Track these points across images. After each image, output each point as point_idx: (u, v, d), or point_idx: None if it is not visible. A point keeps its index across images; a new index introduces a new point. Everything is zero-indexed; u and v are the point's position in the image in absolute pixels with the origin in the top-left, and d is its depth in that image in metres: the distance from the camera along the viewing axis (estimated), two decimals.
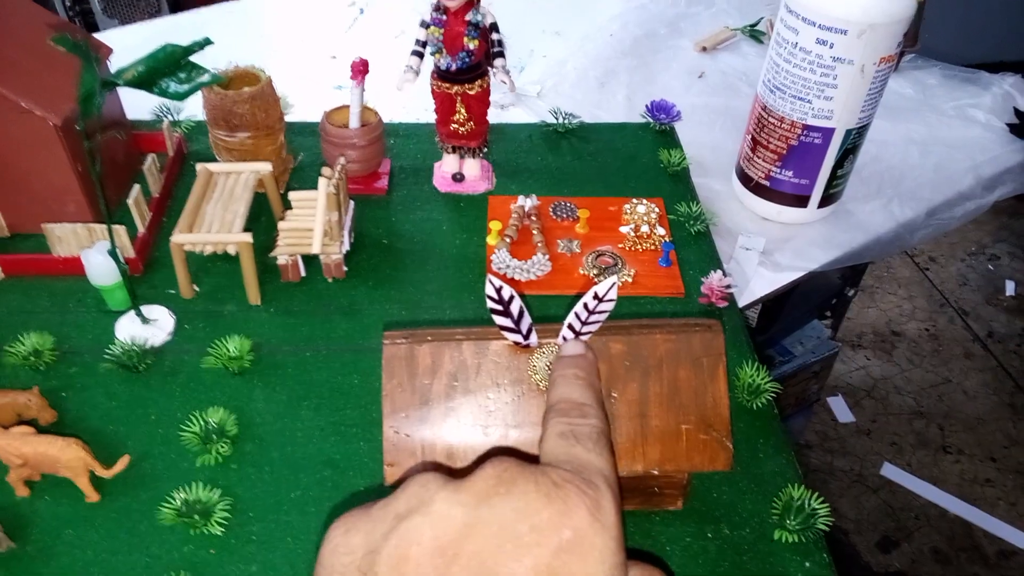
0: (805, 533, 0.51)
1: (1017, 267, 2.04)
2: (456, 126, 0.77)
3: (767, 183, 0.80)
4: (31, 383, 0.58)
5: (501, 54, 0.73)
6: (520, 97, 0.99)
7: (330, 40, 1.13)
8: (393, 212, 0.78)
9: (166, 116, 0.86)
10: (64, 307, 0.66)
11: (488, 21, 0.70)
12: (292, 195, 0.70)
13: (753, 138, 0.80)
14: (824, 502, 0.51)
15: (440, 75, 0.74)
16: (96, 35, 0.91)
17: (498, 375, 0.46)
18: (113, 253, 0.62)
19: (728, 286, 0.68)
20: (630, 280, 0.70)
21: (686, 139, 0.90)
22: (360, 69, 0.75)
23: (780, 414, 1.40)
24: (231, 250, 0.65)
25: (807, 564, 0.50)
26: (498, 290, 0.43)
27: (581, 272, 0.71)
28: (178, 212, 0.67)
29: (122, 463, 0.53)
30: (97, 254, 0.63)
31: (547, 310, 0.67)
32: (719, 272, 0.68)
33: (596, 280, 0.69)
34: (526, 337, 0.45)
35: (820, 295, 1.28)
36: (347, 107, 0.78)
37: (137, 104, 0.79)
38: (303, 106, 0.89)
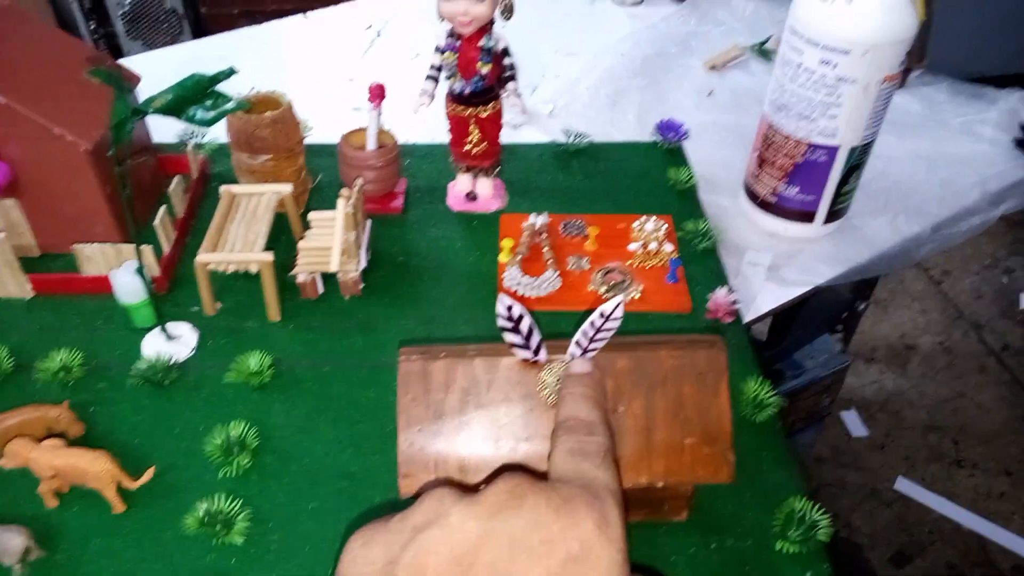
0: (806, 544, 0.52)
1: None
2: (469, 147, 0.79)
3: (774, 199, 0.82)
4: (61, 398, 0.61)
5: (513, 78, 0.75)
6: (532, 116, 1.02)
7: (348, 63, 1.16)
8: (408, 231, 0.80)
9: (190, 140, 0.89)
10: (92, 325, 0.69)
11: (500, 46, 0.73)
12: (311, 215, 0.73)
13: (760, 156, 0.82)
14: (825, 513, 0.52)
15: (454, 98, 0.76)
16: (123, 61, 0.94)
17: (509, 390, 0.48)
18: (140, 272, 0.64)
19: (734, 302, 0.69)
20: (638, 296, 0.72)
21: (696, 156, 0.91)
22: (377, 93, 0.77)
23: (791, 428, 1.40)
24: (253, 268, 0.68)
25: (808, 574, 0.51)
26: (509, 308, 0.45)
27: (590, 289, 0.72)
28: (202, 232, 0.70)
29: (148, 475, 0.55)
30: (124, 273, 0.65)
31: (557, 326, 0.68)
32: (725, 288, 0.70)
33: (605, 296, 0.71)
34: (535, 353, 0.47)
35: (831, 309, 1.28)
36: (364, 129, 0.80)
37: (163, 128, 0.82)
38: (322, 128, 0.92)
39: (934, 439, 1.66)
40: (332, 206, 0.69)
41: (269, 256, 0.67)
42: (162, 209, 0.72)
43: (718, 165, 0.93)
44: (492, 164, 0.82)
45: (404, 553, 0.31)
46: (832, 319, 1.30)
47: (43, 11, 1.96)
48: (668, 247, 0.76)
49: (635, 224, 0.78)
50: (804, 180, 0.79)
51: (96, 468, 0.53)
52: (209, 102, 0.60)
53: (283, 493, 0.56)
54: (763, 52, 1.16)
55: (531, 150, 0.92)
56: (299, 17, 1.28)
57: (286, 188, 0.75)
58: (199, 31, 2.11)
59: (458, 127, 0.78)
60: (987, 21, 2.33)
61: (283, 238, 0.77)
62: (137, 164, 0.78)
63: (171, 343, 0.67)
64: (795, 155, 0.78)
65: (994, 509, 1.52)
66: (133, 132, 0.72)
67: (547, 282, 0.72)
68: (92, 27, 1.99)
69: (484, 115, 0.77)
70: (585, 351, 0.48)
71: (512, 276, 0.72)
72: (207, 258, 0.67)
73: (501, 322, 0.46)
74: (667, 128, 0.92)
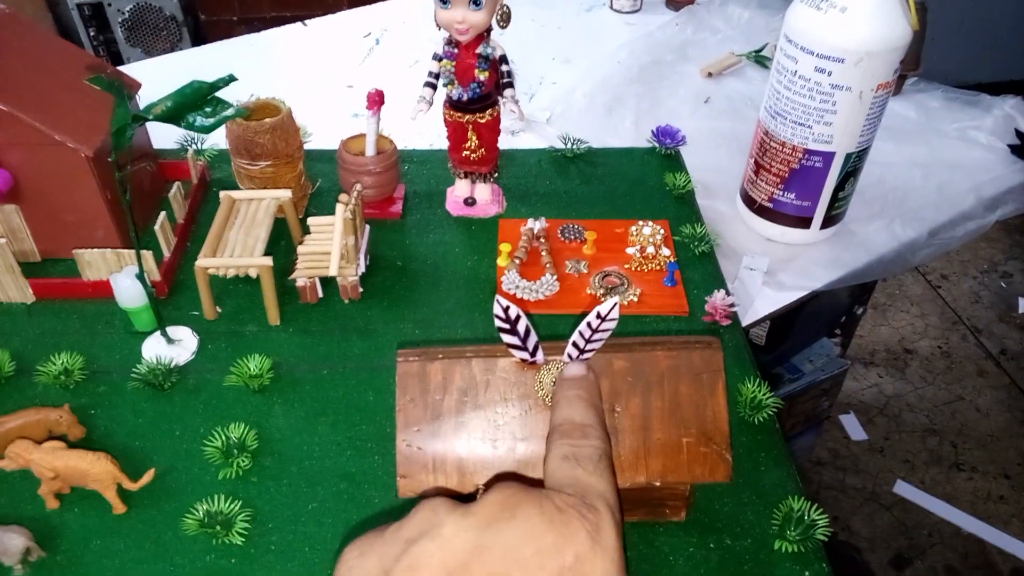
0: (805, 543, 0.52)
1: None
2: (468, 153, 0.80)
3: (770, 205, 0.83)
4: (62, 401, 0.61)
5: (510, 84, 0.76)
6: (530, 123, 1.02)
7: (347, 70, 1.17)
8: (407, 235, 0.81)
9: (190, 145, 0.90)
10: (93, 329, 0.69)
11: (498, 54, 0.73)
12: (311, 220, 0.73)
13: (756, 162, 0.83)
14: (824, 513, 0.53)
15: (452, 105, 0.77)
16: (123, 68, 0.95)
17: (506, 391, 0.48)
18: (141, 277, 0.65)
19: (731, 305, 0.70)
20: (636, 300, 0.72)
21: (692, 162, 0.92)
22: (376, 99, 0.78)
23: (789, 431, 1.41)
24: (252, 273, 0.68)
25: (807, 573, 0.51)
26: (505, 310, 0.45)
27: (588, 292, 0.73)
28: (202, 237, 0.71)
29: (148, 476, 0.55)
30: (125, 278, 0.66)
31: (555, 328, 0.69)
32: (722, 291, 0.70)
33: (603, 299, 0.72)
34: (532, 354, 0.48)
35: (829, 313, 1.29)
36: (363, 135, 0.81)
37: (163, 134, 0.83)
38: (321, 134, 0.92)
39: (933, 442, 1.66)
40: (331, 211, 0.70)
41: (268, 261, 0.68)
42: (162, 215, 0.73)
43: (715, 171, 0.93)
44: (490, 169, 0.82)
45: (397, 565, 0.31)
46: (831, 323, 1.31)
47: (43, 18, 1.97)
48: (665, 251, 0.76)
49: (632, 229, 0.79)
50: (800, 186, 0.80)
51: (96, 470, 0.53)
52: (208, 109, 0.61)
53: (282, 494, 0.56)
54: (759, 59, 1.16)
55: (529, 156, 0.93)
56: (298, 25, 1.29)
57: (285, 194, 0.76)
58: (198, 38, 2.13)
59: (456, 133, 0.79)
60: (981, 29, 2.35)
61: (282, 243, 0.77)
62: (137, 170, 0.78)
63: (171, 347, 0.67)
64: (791, 161, 0.79)
65: (993, 512, 1.53)
66: (133, 138, 0.73)
67: (545, 286, 0.72)
68: (92, 34, 2.01)
69: (482, 121, 0.77)
70: (582, 352, 0.48)
71: (510, 280, 0.73)
72: (207, 263, 0.68)
73: (498, 323, 0.46)
74: (664, 134, 0.93)
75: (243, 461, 0.57)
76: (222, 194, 0.74)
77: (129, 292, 0.66)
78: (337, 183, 0.84)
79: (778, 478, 0.57)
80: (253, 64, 1.17)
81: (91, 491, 0.55)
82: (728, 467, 0.48)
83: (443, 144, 0.81)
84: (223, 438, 0.58)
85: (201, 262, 0.68)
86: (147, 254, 0.69)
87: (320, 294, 0.72)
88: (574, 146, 0.92)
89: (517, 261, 0.75)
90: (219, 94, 0.60)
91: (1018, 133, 1.02)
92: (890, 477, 1.59)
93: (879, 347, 1.88)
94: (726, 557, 0.52)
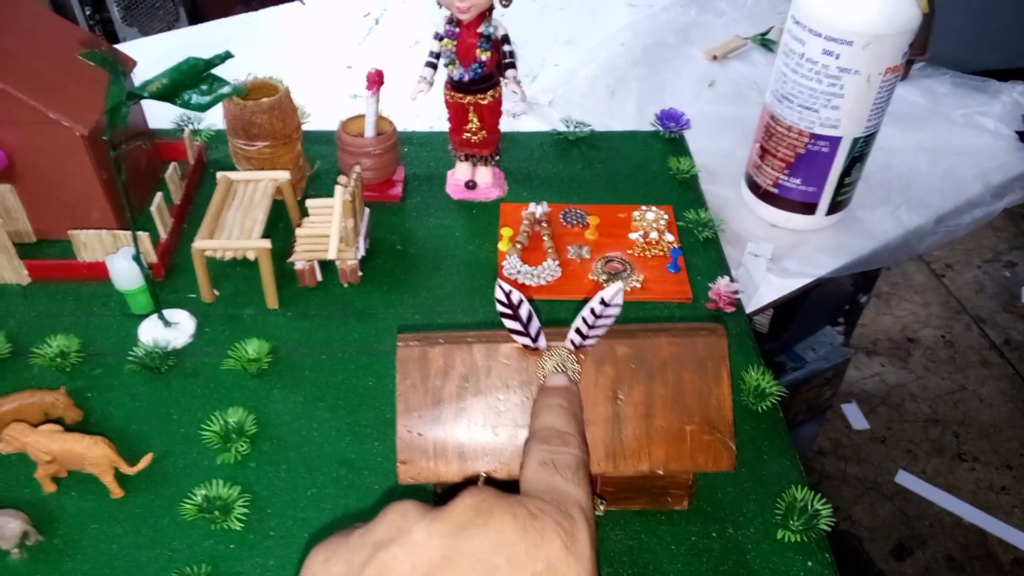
0: (808, 533, 0.52)
1: None
2: (469, 135, 0.79)
3: (775, 190, 0.82)
4: (57, 384, 0.60)
5: (512, 65, 0.74)
6: (532, 106, 1.01)
7: (346, 50, 1.15)
8: (407, 219, 0.80)
9: (187, 125, 0.88)
10: (89, 311, 0.69)
11: (500, 33, 0.72)
12: (309, 202, 0.72)
13: (761, 146, 0.82)
14: (827, 503, 0.52)
15: (453, 86, 0.75)
16: (119, 46, 0.93)
17: (507, 377, 0.48)
18: (137, 258, 0.64)
19: (735, 291, 0.69)
20: (639, 286, 0.71)
21: (696, 147, 0.91)
22: (375, 80, 0.77)
23: (792, 420, 1.40)
24: (250, 256, 0.67)
25: (809, 563, 0.51)
26: (508, 295, 0.44)
27: (591, 278, 0.72)
28: (198, 219, 0.70)
29: (145, 460, 0.55)
30: (121, 259, 0.65)
31: (556, 314, 0.68)
32: (726, 278, 0.69)
33: (605, 285, 0.71)
34: (535, 340, 0.47)
35: (832, 302, 1.28)
36: (363, 116, 0.80)
37: (159, 114, 0.82)
38: (319, 115, 0.91)
39: (935, 432, 1.66)
40: (330, 193, 0.69)
41: (267, 243, 0.67)
42: (158, 195, 0.72)
43: (719, 156, 0.92)
44: (491, 152, 0.81)
45: (364, 571, 0.30)
46: (834, 312, 1.30)
47: None
48: (669, 237, 0.75)
49: (635, 214, 0.78)
50: (806, 171, 0.79)
51: (94, 453, 0.52)
52: (205, 86, 0.60)
53: (281, 480, 0.56)
54: (765, 42, 1.15)
55: (531, 139, 0.91)
56: (297, 3, 1.27)
57: (283, 175, 0.74)
58: (195, 17, 2.10)
59: (457, 114, 0.78)
60: (990, 14, 2.32)
61: (281, 225, 0.76)
62: (133, 150, 0.77)
63: (168, 330, 0.66)
64: (797, 146, 0.78)
65: (995, 503, 1.53)
66: (129, 117, 0.72)
67: (547, 271, 0.71)
68: (87, 13, 1.98)
69: (484, 103, 0.76)
70: (585, 338, 0.47)
71: (512, 264, 0.72)
72: (204, 244, 0.67)
73: (500, 308, 0.45)
74: (668, 118, 0.91)
75: (241, 446, 0.57)
76: (219, 175, 0.73)
77: (126, 274, 0.65)
78: (336, 165, 0.83)
79: (781, 467, 0.56)
80: (251, 43, 1.16)
81: (88, 475, 0.54)
82: (732, 456, 0.47)
83: (443, 126, 0.80)
84: (221, 422, 0.57)
85: (198, 244, 0.67)
86: (143, 235, 0.68)
87: (319, 277, 0.71)
88: (576, 129, 0.91)
89: (518, 246, 0.74)
90: (216, 72, 0.59)
91: None
92: (892, 467, 1.59)
93: (882, 336, 1.87)
94: (728, 546, 0.52)
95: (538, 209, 0.78)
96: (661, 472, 0.48)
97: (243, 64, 0.71)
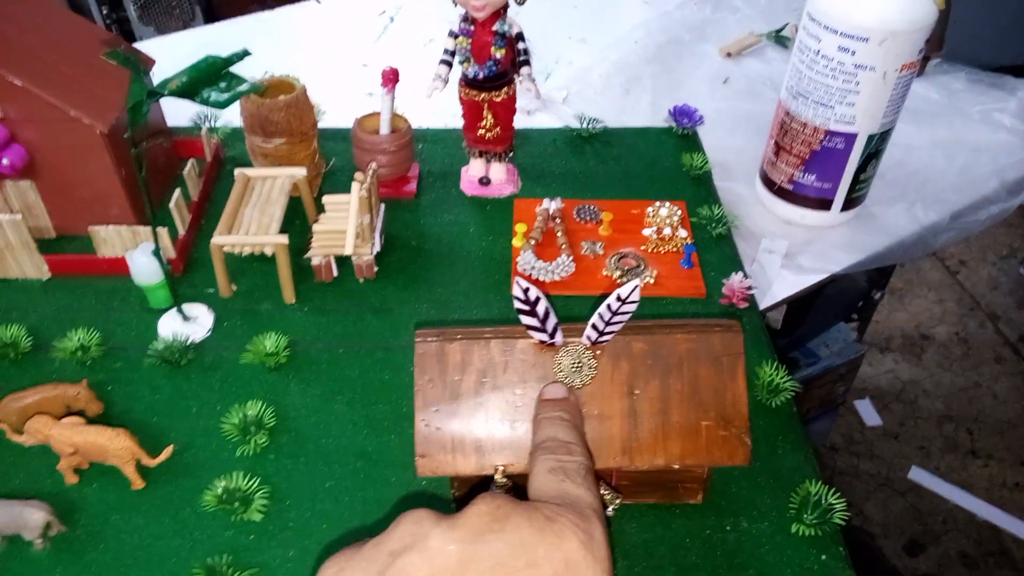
0: (822, 527, 0.52)
1: None
2: (483, 132, 0.79)
3: (790, 187, 0.82)
4: (78, 377, 0.61)
5: (527, 62, 0.75)
6: (546, 103, 1.01)
7: (361, 48, 1.16)
8: (422, 215, 0.80)
9: (204, 123, 0.89)
10: (109, 305, 0.70)
11: (514, 31, 0.72)
12: (326, 198, 0.73)
13: (776, 143, 0.82)
14: (841, 498, 0.52)
15: (468, 83, 0.76)
16: (136, 45, 0.94)
17: (525, 372, 0.48)
18: (156, 253, 0.65)
19: (749, 288, 0.69)
20: (652, 281, 0.71)
21: (710, 143, 0.91)
22: (391, 77, 0.77)
23: (805, 416, 1.40)
24: (268, 251, 0.68)
25: (823, 557, 0.51)
26: (525, 291, 0.45)
27: (604, 274, 0.72)
28: (216, 215, 0.70)
29: (166, 452, 0.56)
30: (141, 255, 0.66)
31: (571, 310, 0.68)
32: (740, 274, 0.69)
33: (619, 281, 0.71)
34: (552, 336, 0.47)
35: (846, 298, 1.28)
36: (378, 114, 0.80)
37: (176, 112, 0.83)
38: (335, 112, 0.92)
39: (949, 429, 1.65)
40: (345, 190, 0.69)
41: (284, 238, 0.67)
42: (177, 192, 0.72)
43: (732, 152, 0.92)
44: (506, 149, 0.82)
45: None
46: (848, 308, 1.29)
47: None
48: (682, 233, 0.75)
49: (649, 210, 0.78)
50: (821, 167, 0.79)
51: (116, 446, 0.53)
52: (223, 84, 0.60)
53: (299, 472, 0.56)
54: (780, 39, 1.15)
55: (544, 135, 0.92)
56: (312, 2, 1.28)
57: (300, 171, 0.75)
58: (211, 16, 2.11)
59: (471, 112, 0.78)
60: (1006, 10, 2.30)
61: (297, 222, 0.77)
62: (152, 147, 0.78)
63: (187, 324, 0.67)
64: (812, 142, 0.78)
65: (1009, 499, 1.52)
66: (148, 115, 0.72)
67: (561, 267, 0.72)
68: (104, 12, 2.00)
69: (498, 100, 0.76)
70: (601, 334, 0.48)
71: (526, 260, 0.72)
72: (222, 240, 0.68)
73: (518, 304, 0.46)
74: (681, 114, 0.92)
75: (260, 438, 0.57)
76: (237, 172, 0.74)
77: (145, 269, 0.66)
78: (351, 162, 0.83)
79: (795, 462, 0.56)
80: (267, 42, 1.16)
81: (109, 467, 0.55)
82: (747, 451, 0.48)
83: (458, 123, 0.81)
84: (240, 415, 0.58)
85: (217, 239, 0.68)
86: (162, 231, 0.69)
87: (335, 273, 0.72)
88: (590, 126, 0.91)
89: (533, 242, 0.74)
90: (233, 70, 0.60)
91: None
92: (905, 463, 1.59)
93: (895, 333, 1.86)
94: (742, 540, 0.52)
95: (552, 205, 0.78)
96: (677, 467, 0.48)
97: (259, 62, 0.72)
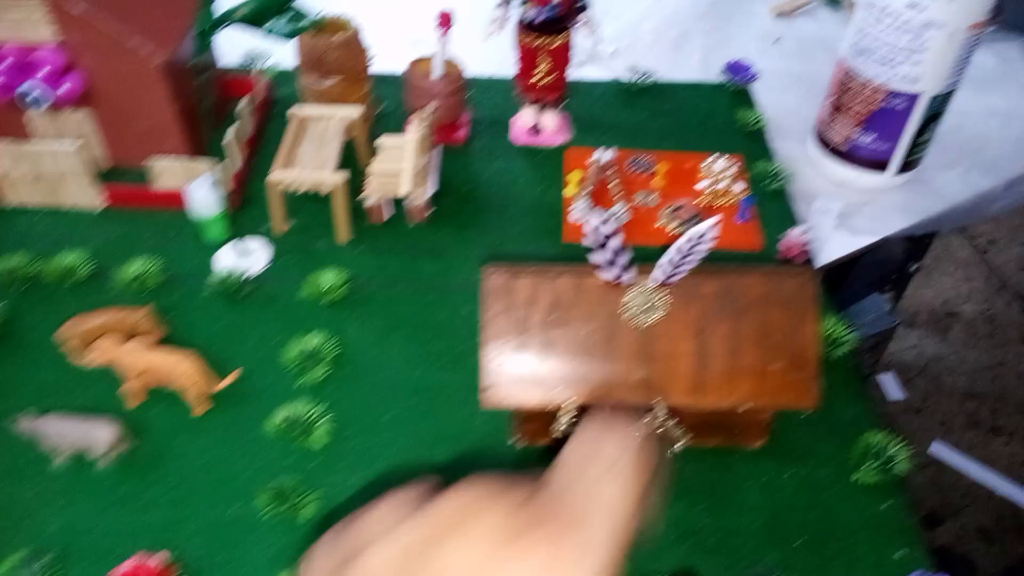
0: (883, 475, 0.52)
1: None
2: (537, 79, 0.78)
3: (846, 147, 0.80)
4: (137, 304, 0.61)
5: (585, 8, 0.74)
6: (594, 56, 1.00)
7: None
8: (472, 161, 0.80)
9: (254, 63, 0.88)
10: (165, 237, 0.70)
11: None
12: (382, 139, 0.72)
13: (834, 102, 0.80)
14: (904, 446, 0.52)
15: (525, 27, 0.75)
16: None
17: (592, 310, 0.48)
18: (215, 185, 0.65)
19: (807, 242, 0.69)
20: None
21: (761, 102, 0.90)
22: (445, 20, 0.76)
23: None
24: (324, 189, 0.68)
25: (882, 507, 0.51)
26: (601, 224, 0.45)
27: (658, 225, 0.72)
28: (268, 154, 0.70)
29: (233, 375, 0.56)
30: (201, 187, 0.66)
31: None
32: (799, 228, 0.69)
33: (674, 233, 0.71)
34: (623, 272, 0.47)
35: (882, 268, 1.27)
36: (430, 58, 0.79)
37: (226, 53, 0.82)
38: (383, 57, 0.91)
39: (972, 406, 1.65)
40: (395, 134, 0.69)
41: (343, 176, 0.67)
42: (232, 127, 0.72)
43: (784, 112, 0.91)
44: (558, 97, 0.81)
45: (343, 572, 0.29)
46: (883, 279, 1.28)
47: None
48: (739, 186, 0.75)
49: (704, 163, 0.77)
50: (881, 128, 0.77)
51: (183, 368, 0.54)
52: (287, 15, 0.60)
53: (358, 404, 0.57)
54: (833, 1, 1.12)
55: (595, 87, 0.91)
56: None
57: (355, 111, 0.75)
58: None
59: (527, 58, 0.77)
60: None
61: (347, 164, 0.77)
62: (207, 82, 0.78)
63: (244, 258, 0.67)
64: (873, 101, 0.76)
65: None
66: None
67: (616, 215, 0.71)
68: None
69: (554, 46, 0.75)
70: (672, 275, 0.48)
71: (580, 209, 0.72)
72: (281, 175, 0.67)
73: (589, 240, 0.46)
74: (736, 69, 0.90)
75: (320, 370, 0.58)
76: (291, 111, 0.74)
77: (205, 201, 0.66)
78: (400, 107, 0.83)
79: (855, 413, 0.56)
80: None
81: (171, 393, 0.56)
82: (815, 395, 0.48)
83: (509, 72, 0.80)
84: (300, 347, 0.59)
85: (274, 175, 0.67)
86: (221, 164, 0.69)
87: (390, 213, 0.72)
88: (640, 80, 0.90)
89: (586, 191, 0.74)
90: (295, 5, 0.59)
91: None
92: (926, 438, 1.59)
93: (922, 309, 1.85)
94: (802, 486, 0.52)
95: (604, 156, 0.77)
96: (744, 409, 0.48)
97: (313, 3, 0.71)
